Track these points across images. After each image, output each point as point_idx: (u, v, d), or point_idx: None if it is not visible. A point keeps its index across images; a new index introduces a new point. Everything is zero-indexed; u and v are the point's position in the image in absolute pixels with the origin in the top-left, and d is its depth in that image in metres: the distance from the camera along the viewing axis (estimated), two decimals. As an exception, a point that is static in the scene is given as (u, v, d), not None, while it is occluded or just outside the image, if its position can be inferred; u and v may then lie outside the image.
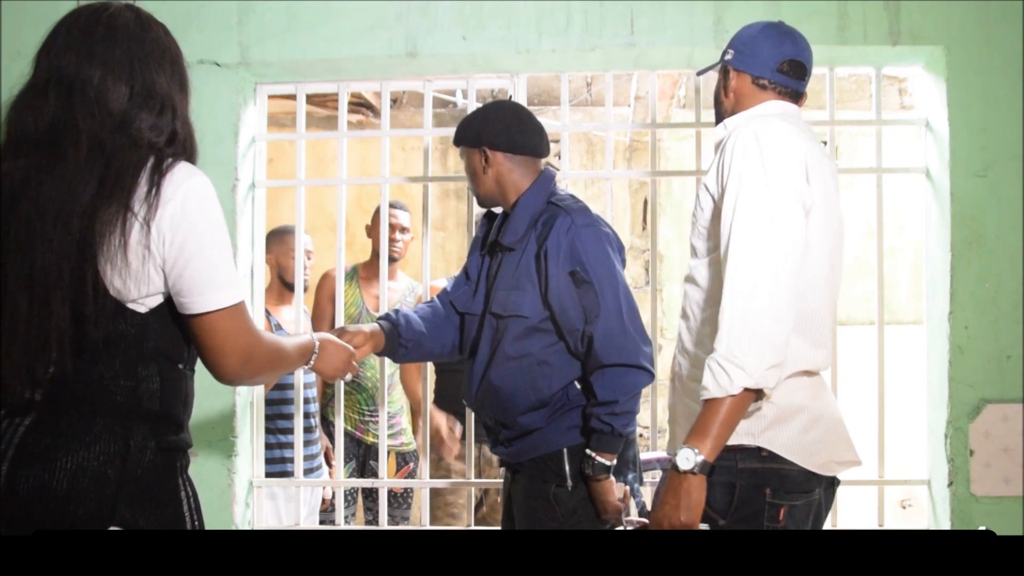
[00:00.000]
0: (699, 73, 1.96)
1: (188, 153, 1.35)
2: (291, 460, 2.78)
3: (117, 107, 1.27)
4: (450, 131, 3.07)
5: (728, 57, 1.74)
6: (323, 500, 3.09)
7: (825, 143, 2.50)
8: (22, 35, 2.42)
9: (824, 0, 2.36)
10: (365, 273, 3.31)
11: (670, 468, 1.51)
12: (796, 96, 1.71)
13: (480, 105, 2.10)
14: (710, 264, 1.63)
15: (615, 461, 1.88)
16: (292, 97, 2.69)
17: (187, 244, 1.26)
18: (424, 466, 2.61)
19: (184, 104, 1.36)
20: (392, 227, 3.14)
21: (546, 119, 4.49)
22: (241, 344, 1.32)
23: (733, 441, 1.53)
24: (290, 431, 2.90)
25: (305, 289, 3.06)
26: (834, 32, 2.36)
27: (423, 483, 2.61)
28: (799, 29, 2.38)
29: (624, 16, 2.41)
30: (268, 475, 2.69)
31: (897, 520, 2.60)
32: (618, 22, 2.41)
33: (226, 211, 2.45)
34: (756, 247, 1.49)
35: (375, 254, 3.16)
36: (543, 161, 2.05)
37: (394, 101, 4.61)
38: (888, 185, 2.51)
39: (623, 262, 1.98)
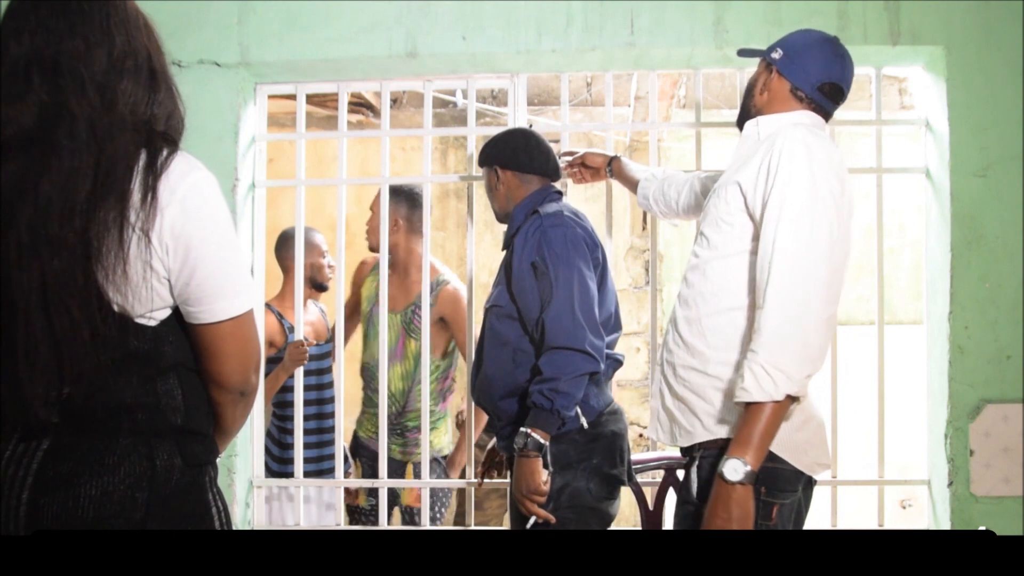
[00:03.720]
0: (741, 53, 1.88)
1: (175, 124, 1.25)
2: (325, 459, 2.90)
3: (101, 78, 1.17)
4: (450, 131, 3.09)
5: (776, 56, 1.72)
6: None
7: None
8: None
9: (824, 0, 2.36)
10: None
11: (718, 477, 1.50)
12: (826, 115, 1.72)
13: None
14: (725, 258, 1.62)
15: (547, 442, 1.94)
16: (292, 97, 2.69)
17: (191, 252, 1.17)
18: (424, 466, 2.60)
19: (166, 65, 1.27)
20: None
21: (546, 119, 4.50)
22: (248, 353, 1.26)
23: (729, 435, 1.56)
24: (315, 432, 2.95)
25: (325, 289, 3.08)
26: (834, 32, 2.34)
27: (423, 483, 2.61)
28: (799, 29, 2.39)
29: (624, 16, 2.41)
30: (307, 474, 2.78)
31: (897, 520, 2.60)
32: (618, 22, 2.40)
33: (226, 211, 2.48)
34: (810, 257, 1.50)
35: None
36: (556, 184, 2.23)
37: (394, 101, 4.61)
38: (888, 185, 2.51)
39: (598, 260, 2.09)
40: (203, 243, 1.17)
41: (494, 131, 2.35)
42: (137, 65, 1.21)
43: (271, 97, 2.71)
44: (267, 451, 2.96)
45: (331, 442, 2.94)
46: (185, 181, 1.17)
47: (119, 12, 1.21)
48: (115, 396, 1.17)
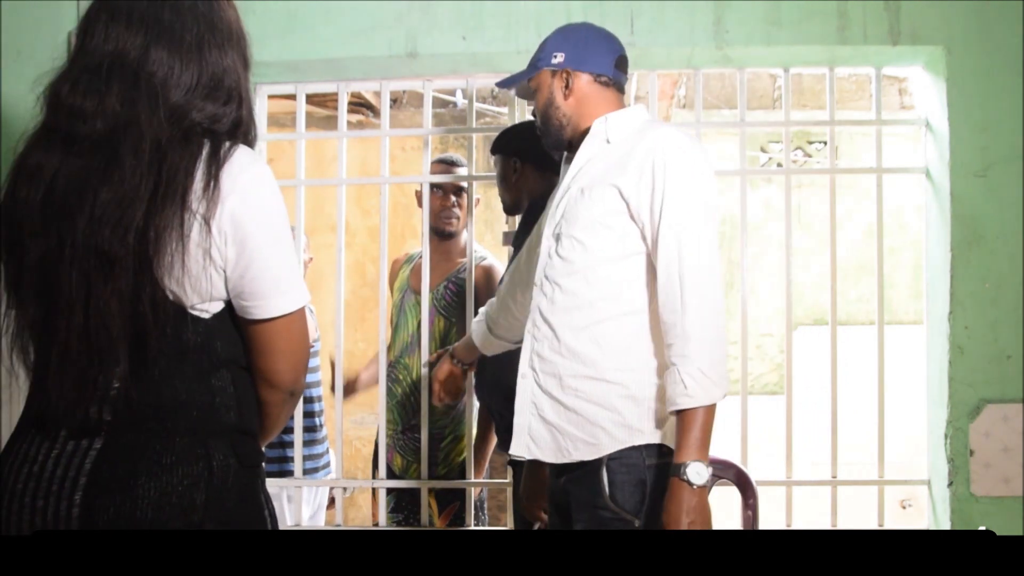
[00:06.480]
0: (502, 85, 1.85)
1: (247, 139, 1.24)
2: (314, 457, 2.84)
3: (182, 100, 1.15)
4: (450, 131, 3.09)
5: (560, 61, 1.70)
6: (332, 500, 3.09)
7: (826, 143, 2.50)
8: (22, 35, 2.42)
9: (824, 0, 2.36)
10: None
11: (681, 482, 1.47)
12: (623, 90, 1.75)
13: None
14: (612, 262, 1.59)
15: None
16: (292, 97, 2.68)
17: (248, 242, 1.14)
18: (424, 466, 2.60)
19: (248, 84, 1.25)
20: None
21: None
22: (301, 352, 1.23)
23: (640, 441, 1.56)
24: (305, 430, 2.94)
25: None
26: (834, 32, 2.36)
27: (423, 483, 2.61)
28: (799, 29, 2.39)
29: (624, 16, 2.41)
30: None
31: (897, 520, 2.60)
32: (618, 22, 2.40)
33: (226, 211, 2.47)
34: (713, 264, 1.56)
35: None
36: None
37: (394, 101, 4.61)
38: (888, 185, 2.51)
39: None
40: (260, 235, 1.15)
41: (494, 131, 2.34)
42: (222, 86, 1.19)
43: (271, 97, 2.71)
44: None
45: (320, 440, 2.95)
46: (247, 172, 1.16)
47: (215, 32, 1.19)
48: (169, 392, 1.14)
